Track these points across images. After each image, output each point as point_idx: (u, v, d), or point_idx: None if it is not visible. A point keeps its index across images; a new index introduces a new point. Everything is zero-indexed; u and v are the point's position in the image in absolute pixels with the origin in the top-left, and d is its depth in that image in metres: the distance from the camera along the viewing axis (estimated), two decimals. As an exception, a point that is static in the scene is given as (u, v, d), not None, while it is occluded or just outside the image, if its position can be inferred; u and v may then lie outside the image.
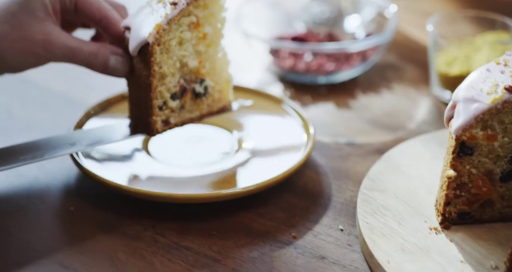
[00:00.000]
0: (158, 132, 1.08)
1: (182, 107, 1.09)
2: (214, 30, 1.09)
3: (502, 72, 0.92)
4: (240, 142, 1.15)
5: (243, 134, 1.16)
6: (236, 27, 1.39)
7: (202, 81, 1.09)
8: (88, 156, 1.07)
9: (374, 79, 1.40)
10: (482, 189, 0.95)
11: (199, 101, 1.11)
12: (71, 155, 1.05)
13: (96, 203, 1.04)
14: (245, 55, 1.43)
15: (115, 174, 1.04)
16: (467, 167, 0.94)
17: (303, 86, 1.37)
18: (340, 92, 1.35)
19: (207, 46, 1.09)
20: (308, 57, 1.39)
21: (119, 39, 1.06)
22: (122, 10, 1.10)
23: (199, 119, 1.12)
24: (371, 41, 1.34)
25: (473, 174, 0.94)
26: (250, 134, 1.16)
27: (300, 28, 1.53)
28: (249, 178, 1.05)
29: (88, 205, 1.04)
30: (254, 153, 1.12)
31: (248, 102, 1.17)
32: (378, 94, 1.35)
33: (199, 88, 1.10)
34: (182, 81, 1.08)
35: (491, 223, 0.97)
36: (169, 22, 1.02)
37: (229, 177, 1.06)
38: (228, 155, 1.12)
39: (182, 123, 1.10)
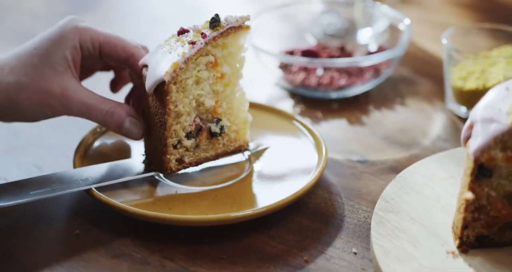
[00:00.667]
0: (172, 171, 1.06)
1: (197, 146, 1.07)
2: (233, 70, 1.06)
3: (521, 91, 0.89)
4: (250, 161, 1.12)
5: (253, 154, 1.13)
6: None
7: (218, 120, 1.07)
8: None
9: (387, 94, 1.36)
10: (502, 212, 0.91)
11: (215, 141, 1.08)
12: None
13: (102, 226, 1.01)
14: (255, 69, 1.40)
15: (122, 197, 1.02)
16: (486, 189, 0.90)
17: (315, 101, 1.34)
18: (353, 107, 1.32)
19: (225, 85, 1.07)
20: (319, 72, 1.36)
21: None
22: (144, 50, 1.10)
23: (214, 158, 1.09)
24: (384, 55, 1.31)
25: (492, 197, 0.91)
26: (260, 153, 1.13)
27: (311, 41, 1.50)
28: (260, 200, 1.03)
29: (94, 228, 1.01)
30: (264, 173, 1.09)
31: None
32: (391, 109, 1.32)
33: (215, 128, 1.07)
34: (198, 120, 1.06)
35: (510, 247, 0.94)
36: (186, 61, 1.00)
37: (239, 199, 1.03)
38: (238, 175, 1.09)
39: (197, 163, 1.08)
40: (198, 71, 1.03)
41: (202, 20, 1.03)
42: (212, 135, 1.08)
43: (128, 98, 1.14)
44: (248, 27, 1.05)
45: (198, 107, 1.06)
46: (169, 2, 1.78)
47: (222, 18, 1.04)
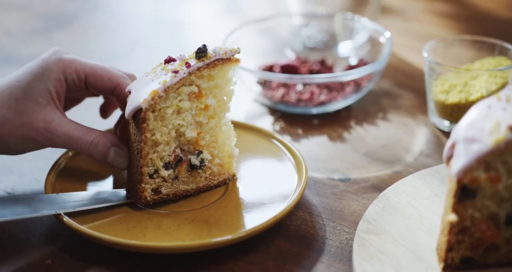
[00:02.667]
0: (147, 201, 1.02)
1: (176, 177, 1.04)
2: (219, 102, 1.04)
3: (504, 109, 0.86)
4: (227, 182, 1.09)
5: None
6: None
7: (199, 153, 1.04)
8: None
9: (369, 108, 1.34)
10: (486, 234, 0.89)
11: (196, 174, 1.05)
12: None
13: (75, 255, 0.98)
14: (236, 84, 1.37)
15: (95, 224, 0.98)
16: (470, 211, 0.88)
17: (295, 117, 1.31)
18: (334, 122, 1.29)
19: (209, 117, 1.04)
20: (299, 87, 1.33)
21: None
22: (132, 78, 1.09)
23: (195, 191, 1.06)
24: (365, 70, 1.28)
25: (476, 218, 0.88)
26: (239, 174, 1.10)
27: (291, 55, 1.47)
28: (238, 224, 0.99)
29: (66, 256, 0.98)
30: (243, 196, 1.06)
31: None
32: (373, 124, 1.30)
33: (195, 160, 1.04)
34: (178, 151, 1.03)
35: (496, 268, 0.91)
36: (167, 89, 0.98)
37: (217, 223, 1.00)
38: (215, 198, 1.06)
39: (175, 194, 1.04)
40: (180, 100, 1.01)
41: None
42: (192, 167, 1.04)
43: (116, 126, 1.12)
44: (237, 60, 1.02)
45: (179, 138, 1.03)
46: (146, 19, 1.76)
47: (210, 49, 1.01)
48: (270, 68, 1.39)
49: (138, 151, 1.00)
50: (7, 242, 1.00)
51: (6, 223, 1.03)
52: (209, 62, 1.00)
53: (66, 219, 0.97)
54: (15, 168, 1.16)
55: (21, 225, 1.03)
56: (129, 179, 1.06)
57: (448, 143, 0.90)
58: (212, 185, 1.07)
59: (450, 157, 0.90)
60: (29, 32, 1.66)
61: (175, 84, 0.99)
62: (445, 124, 1.25)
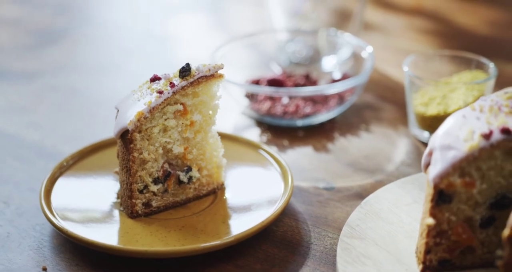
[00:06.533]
0: (139, 215, 1.06)
1: (165, 190, 1.08)
2: (204, 117, 1.07)
3: (477, 119, 0.91)
4: (216, 191, 1.13)
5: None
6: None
7: (188, 170, 1.08)
8: (64, 216, 1.04)
9: (352, 120, 1.39)
10: (462, 236, 0.93)
11: (184, 186, 1.09)
12: (46, 215, 1.03)
13: (70, 261, 1.01)
14: (221, 98, 1.41)
15: (89, 230, 1.02)
16: (446, 214, 0.93)
17: (281, 129, 1.36)
18: (318, 134, 1.34)
19: (196, 132, 1.07)
20: (285, 100, 1.38)
21: None
22: None
23: (185, 202, 1.10)
24: (348, 83, 1.33)
25: (453, 222, 0.93)
26: (227, 183, 1.14)
27: (276, 69, 1.52)
28: (227, 229, 1.03)
29: (62, 262, 1.01)
30: (231, 203, 1.10)
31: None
32: (356, 135, 1.34)
33: (183, 177, 1.08)
34: (166, 166, 1.06)
35: (472, 270, 0.96)
36: (152, 110, 1.01)
37: (206, 229, 1.04)
38: (205, 205, 1.10)
39: (165, 207, 1.08)
40: (165, 119, 1.04)
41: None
42: (180, 182, 1.08)
43: None
44: (221, 76, 1.05)
45: (166, 154, 1.06)
46: (136, 34, 1.80)
47: (193, 67, 1.04)
48: (257, 82, 1.43)
49: (128, 169, 1.04)
50: (3, 247, 1.04)
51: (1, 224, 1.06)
52: (192, 80, 1.03)
53: (61, 226, 1.01)
54: (9, 177, 1.20)
55: (13, 232, 1.06)
56: (121, 193, 1.09)
57: (426, 151, 0.94)
58: (201, 194, 1.11)
59: (428, 164, 0.94)
60: (20, 47, 1.69)
61: (160, 105, 1.02)
62: (425, 135, 1.30)
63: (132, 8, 1.96)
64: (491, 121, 0.91)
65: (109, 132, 1.20)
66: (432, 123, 1.28)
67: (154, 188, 1.06)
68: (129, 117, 1.01)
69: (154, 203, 1.07)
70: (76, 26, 1.82)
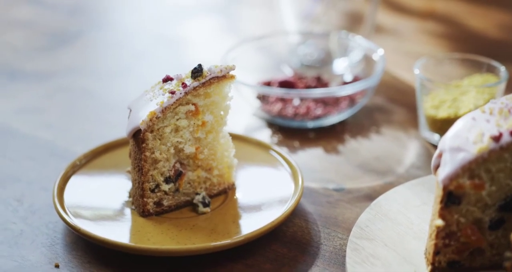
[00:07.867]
0: (150, 213, 1.07)
1: (176, 190, 1.09)
2: (216, 117, 1.08)
3: (487, 121, 0.92)
4: (227, 191, 1.14)
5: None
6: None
7: (204, 199, 1.09)
8: (77, 214, 1.05)
9: (362, 122, 1.39)
10: (471, 238, 0.94)
11: (196, 185, 1.10)
12: (59, 213, 1.04)
13: (82, 258, 1.03)
14: (233, 100, 1.42)
15: (101, 228, 1.03)
16: (455, 216, 0.93)
17: (292, 131, 1.36)
18: (329, 136, 1.35)
19: (207, 132, 1.08)
20: (296, 102, 1.39)
21: None
22: None
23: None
24: (359, 85, 1.34)
25: (462, 223, 0.93)
26: (238, 183, 1.15)
27: (288, 71, 1.53)
28: (238, 229, 1.04)
29: (74, 259, 1.02)
30: (242, 203, 1.11)
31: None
32: (367, 137, 1.35)
33: (196, 200, 1.09)
34: (177, 165, 1.07)
35: (481, 271, 0.96)
36: (164, 110, 1.02)
37: (217, 228, 1.05)
38: (216, 205, 1.11)
39: (177, 206, 1.09)
40: (177, 119, 1.05)
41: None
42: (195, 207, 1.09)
43: None
44: (232, 77, 1.07)
45: (178, 153, 1.07)
46: (148, 36, 1.81)
47: (205, 68, 1.05)
48: (268, 84, 1.44)
49: (139, 168, 1.05)
50: (13, 244, 1.05)
51: (14, 222, 1.07)
52: (204, 81, 1.05)
53: (74, 224, 1.02)
54: (23, 176, 1.21)
55: (26, 229, 1.08)
56: (132, 192, 1.10)
57: (436, 152, 0.95)
58: (212, 194, 1.12)
59: (437, 166, 0.95)
60: (34, 49, 1.71)
61: (172, 105, 1.03)
62: (435, 138, 1.31)
63: (144, 12, 1.97)
64: (500, 124, 0.91)
65: (119, 134, 1.22)
66: (442, 126, 1.28)
67: (165, 187, 1.07)
68: (141, 116, 1.03)
69: (165, 202, 1.08)
70: (89, 29, 1.84)
